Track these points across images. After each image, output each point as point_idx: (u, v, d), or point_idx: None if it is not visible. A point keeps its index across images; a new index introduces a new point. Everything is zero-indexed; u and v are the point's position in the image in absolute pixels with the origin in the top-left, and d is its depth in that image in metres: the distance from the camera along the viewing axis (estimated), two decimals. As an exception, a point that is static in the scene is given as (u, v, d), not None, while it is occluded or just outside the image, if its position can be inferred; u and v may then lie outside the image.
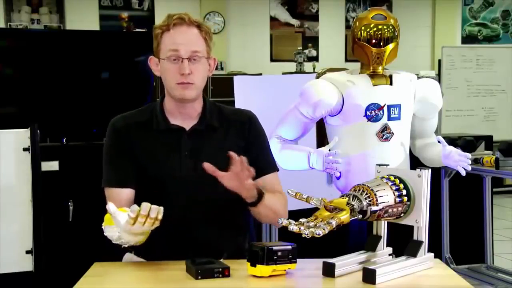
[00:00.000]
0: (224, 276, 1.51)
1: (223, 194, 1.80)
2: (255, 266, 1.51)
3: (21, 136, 2.73)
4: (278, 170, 1.91)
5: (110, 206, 1.54)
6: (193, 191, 1.77)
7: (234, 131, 1.84)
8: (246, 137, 1.85)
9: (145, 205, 1.49)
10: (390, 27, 2.44)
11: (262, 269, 1.50)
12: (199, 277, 1.48)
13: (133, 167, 1.78)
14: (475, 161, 3.36)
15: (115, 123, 1.84)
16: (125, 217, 1.52)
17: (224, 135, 1.83)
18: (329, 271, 1.51)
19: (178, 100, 1.78)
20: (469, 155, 2.51)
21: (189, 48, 1.73)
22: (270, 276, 1.50)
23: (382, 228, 1.63)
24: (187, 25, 1.75)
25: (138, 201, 1.78)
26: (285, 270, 1.52)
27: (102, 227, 1.63)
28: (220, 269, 1.51)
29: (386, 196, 1.49)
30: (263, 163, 1.87)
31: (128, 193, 1.78)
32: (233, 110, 1.91)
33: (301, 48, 7.99)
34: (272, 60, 8.49)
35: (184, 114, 1.81)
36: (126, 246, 1.64)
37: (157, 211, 1.50)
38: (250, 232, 1.99)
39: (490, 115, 6.78)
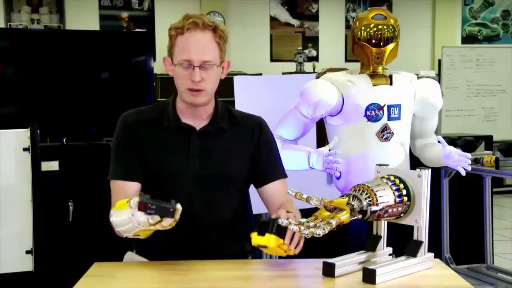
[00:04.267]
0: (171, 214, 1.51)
1: (227, 195, 1.80)
2: (263, 235, 1.50)
3: (21, 136, 2.73)
4: (286, 177, 1.90)
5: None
6: (197, 190, 1.77)
7: (243, 135, 1.85)
8: (255, 143, 1.85)
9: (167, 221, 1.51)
10: (390, 27, 2.44)
11: (271, 238, 1.49)
12: (169, 215, 1.51)
13: (140, 161, 1.78)
14: (475, 161, 3.36)
15: (125, 117, 1.84)
16: (144, 219, 1.51)
17: (233, 138, 1.83)
18: (329, 271, 1.51)
19: (189, 105, 1.79)
20: (469, 155, 2.51)
21: (201, 57, 1.71)
22: (276, 251, 1.51)
23: (382, 228, 1.63)
24: (201, 30, 1.72)
25: None
26: (286, 251, 1.52)
27: (112, 211, 1.61)
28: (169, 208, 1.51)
29: (386, 196, 1.49)
30: (273, 169, 1.88)
31: (134, 186, 1.77)
32: (244, 114, 1.91)
33: (301, 48, 7.99)
34: (272, 60, 8.49)
35: (195, 115, 1.82)
36: (129, 236, 1.63)
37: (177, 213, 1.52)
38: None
39: (490, 115, 6.79)
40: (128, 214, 1.54)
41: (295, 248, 1.53)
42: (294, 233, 1.52)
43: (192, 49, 1.71)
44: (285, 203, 1.77)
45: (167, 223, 1.52)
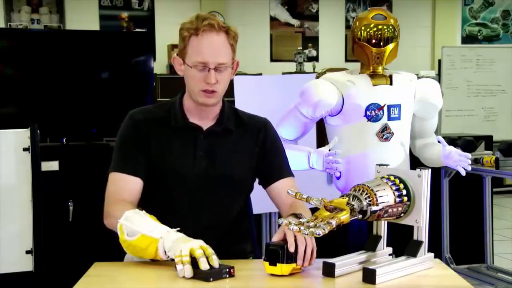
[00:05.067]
0: (231, 276, 1.50)
1: (231, 196, 1.80)
2: (275, 265, 1.50)
3: (21, 136, 2.73)
4: (294, 176, 1.90)
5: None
6: (202, 191, 1.77)
7: (249, 136, 1.85)
8: (261, 144, 1.85)
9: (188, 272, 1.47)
10: (390, 27, 2.44)
11: (283, 268, 1.50)
12: (211, 279, 1.47)
13: (145, 160, 1.77)
14: (475, 161, 3.36)
15: (134, 115, 1.82)
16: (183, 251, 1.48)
17: (239, 138, 1.83)
18: (329, 271, 1.51)
19: (200, 105, 1.78)
20: (469, 155, 2.51)
21: (216, 59, 1.71)
22: (290, 274, 1.51)
23: (382, 228, 1.63)
24: (216, 32, 1.72)
25: (144, 195, 1.79)
26: (301, 268, 1.53)
27: (144, 211, 1.61)
28: (227, 270, 1.50)
29: (386, 196, 1.49)
30: (279, 167, 1.88)
31: (139, 183, 1.76)
32: (249, 115, 1.91)
33: (301, 48, 7.99)
34: (272, 60, 8.49)
35: (202, 115, 1.81)
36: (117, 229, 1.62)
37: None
38: (252, 235, 2.00)
39: (490, 115, 6.79)
40: (161, 230, 1.54)
41: (310, 259, 1.54)
42: (305, 249, 1.52)
43: (207, 52, 1.71)
44: (295, 204, 1.77)
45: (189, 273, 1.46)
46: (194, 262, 1.48)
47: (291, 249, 1.49)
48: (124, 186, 1.75)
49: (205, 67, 1.72)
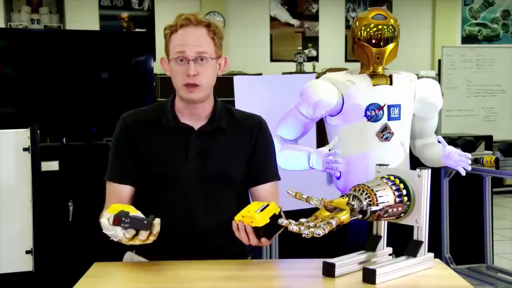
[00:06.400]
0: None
1: (226, 195, 1.80)
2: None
3: (21, 136, 2.73)
4: (279, 179, 1.90)
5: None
6: (196, 191, 1.77)
7: (242, 135, 1.84)
8: (254, 142, 1.84)
9: (143, 235, 1.52)
10: (390, 27, 2.44)
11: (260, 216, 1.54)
12: (145, 222, 1.51)
13: (136, 165, 1.79)
14: (475, 161, 3.36)
15: (124, 118, 1.84)
16: (121, 234, 1.53)
17: (232, 138, 1.83)
18: (329, 271, 1.51)
19: (186, 101, 1.79)
20: (469, 155, 2.51)
21: (195, 48, 1.72)
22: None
23: (382, 228, 1.63)
24: (194, 26, 1.74)
25: (140, 198, 1.79)
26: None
27: (104, 212, 1.62)
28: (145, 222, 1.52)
29: (386, 196, 1.49)
30: (266, 170, 1.87)
31: (127, 190, 1.80)
32: (244, 114, 1.90)
33: (301, 48, 7.99)
34: (272, 60, 8.50)
35: (193, 114, 1.81)
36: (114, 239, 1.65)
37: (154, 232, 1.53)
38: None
39: (490, 115, 6.79)
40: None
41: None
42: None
43: (185, 42, 1.72)
44: None
45: (143, 236, 1.52)
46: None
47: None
48: (114, 195, 1.79)
49: (184, 58, 1.72)
